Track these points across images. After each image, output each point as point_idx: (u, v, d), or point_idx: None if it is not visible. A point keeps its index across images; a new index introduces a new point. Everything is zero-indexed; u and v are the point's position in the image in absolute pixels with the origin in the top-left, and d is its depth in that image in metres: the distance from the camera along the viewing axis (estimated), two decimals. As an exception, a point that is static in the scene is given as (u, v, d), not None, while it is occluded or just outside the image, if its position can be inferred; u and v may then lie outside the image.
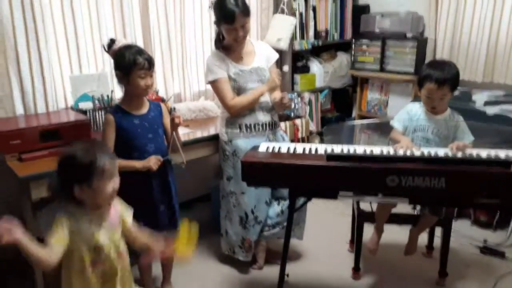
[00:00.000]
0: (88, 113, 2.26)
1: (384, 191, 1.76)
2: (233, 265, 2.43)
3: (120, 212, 1.51)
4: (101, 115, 2.29)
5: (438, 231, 2.30)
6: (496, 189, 1.66)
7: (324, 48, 3.76)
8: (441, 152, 1.82)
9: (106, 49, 1.93)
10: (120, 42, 1.93)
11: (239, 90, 2.22)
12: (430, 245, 2.51)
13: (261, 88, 2.20)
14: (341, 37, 3.76)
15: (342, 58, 3.81)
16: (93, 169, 1.31)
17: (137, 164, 1.85)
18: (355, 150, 1.83)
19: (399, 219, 2.30)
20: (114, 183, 1.38)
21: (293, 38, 3.29)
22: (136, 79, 1.82)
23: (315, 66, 3.63)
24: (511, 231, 2.59)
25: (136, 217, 1.90)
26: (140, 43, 2.63)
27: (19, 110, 2.28)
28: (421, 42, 3.26)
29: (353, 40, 3.61)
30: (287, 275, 2.00)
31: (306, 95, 3.51)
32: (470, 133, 2.00)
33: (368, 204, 2.26)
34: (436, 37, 3.30)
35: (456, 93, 2.06)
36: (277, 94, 2.26)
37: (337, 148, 1.87)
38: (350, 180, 1.74)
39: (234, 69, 2.21)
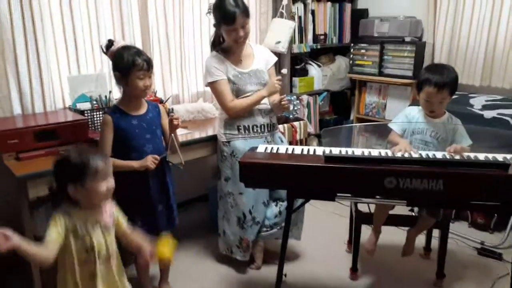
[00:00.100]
0: (85, 114, 2.26)
1: (382, 193, 1.76)
2: (231, 265, 2.42)
3: (115, 214, 1.52)
4: (99, 116, 2.29)
5: (436, 232, 2.31)
6: (493, 192, 1.66)
7: (323, 52, 3.78)
8: (439, 155, 1.83)
9: (104, 50, 1.93)
10: (119, 43, 1.93)
11: (238, 92, 2.22)
12: (427, 247, 2.51)
13: (261, 93, 2.21)
14: (340, 41, 3.78)
15: (341, 61, 3.82)
16: (86, 169, 1.35)
17: (135, 164, 1.85)
18: (353, 152, 1.84)
19: (397, 220, 2.30)
20: (108, 184, 1.41)
21: (292, 41, 3.30)
22: (135, 80, 1.82)
23: (314, 69, 3.65)
24: (508, 233, 2.59)
25: (134, 217, 1.91)
26: (139, 44, 2.64)
27: (17, 110, 2.27)
28: (419, 46, 3.28)
29: (352, 44, 3.63)
30: (285, 275, 2.00)
31: (305, 98, 3.52)
32: (468, 136, 2.01)
33: (366, 205, 2.26)
34: (434, 41, 3.32)
35: (454, 96, 2.07)
36: (276, 96, 2.26)
37: (335, 150, 1.87)
38: (348, 181, 1.74)
39: (233, 71, 2.22)
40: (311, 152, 1.85)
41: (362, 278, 2.32)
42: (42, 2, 2.25)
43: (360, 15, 3.71)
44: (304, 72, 3.61)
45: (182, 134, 2.31)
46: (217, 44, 2.27)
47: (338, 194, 1.82)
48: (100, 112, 2.29)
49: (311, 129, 3.55)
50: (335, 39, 3.74)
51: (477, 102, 2.87)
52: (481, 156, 1.78)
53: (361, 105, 3.71)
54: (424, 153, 1.85)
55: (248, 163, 1.79)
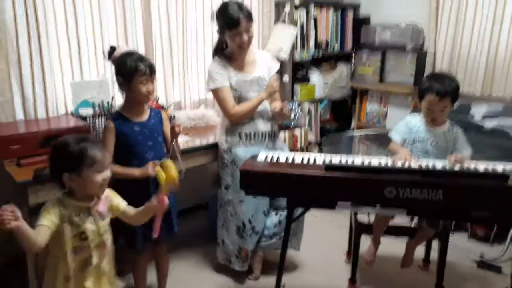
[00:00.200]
0: (88, 119, 2.27)
1: (382, 202, 1.76)
2: (229, 275, 2.41)
3: (109, 199, 1.53)
4: (101, 121, 2.30)
5: (435, 244, 2.30)
6: (493, 203, 1.66)
7: (324, 59, 3.78)
8: (439, 164, 1.83)
9: (107, 56, 1.94)
10: (121, 49, 1.94)
11: (239, 99, 2.23)
12: (426, 258, 2.51)
13: (261, 95, 2.21)
14: (342, 48, 3.78)
15: (342, 69, 3.82)
16: (83, 158, 1.35)
17: (136, 172, 1.85)
18: (353, 161, 1.84)
19: (396, 231, 2.30)
20: (103, 175, 1.40)
21: (293, 48, 3.31)
22: (138, 85, 1.83)
23: (315, 77, 3.65)
24: (508, 245, 2.58)
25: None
26: (142, 51, 2.65)
27: (19, 115, 2.28)
28: (420, 55, 3.29)
29: (354, 51, 3.64)
30: (283, 286, 1.99)
31: (306, 105, 3.53)
32: (468, 145, 2.01)
33: (366, 216, 2.26)
34: (435, 49, 3.32)
35: (455, 105, 2.07)
36: (277, 104, 2.27)
37: (336, 159, 1.87)
38: (348, 190, 1.74)
39: (235, 77, 2.22)
40: (312, 161, 1.86)
41: (361, 288, 2.32)
42: (47, 7, 2.26)
43: (362, 22, 3.72)
44: (305, 79, 3.60)
45: (183, 141, 2.31)
46: (219, 51, 2.28)
47: (338, 203, 1.82)
48: (102, 118, 2.30)
49: (312, 137, 3.55)
50: (337, 46, 3.75)
51: (477, 112, 2.88)
52: (481, 166, 1.79)
53: (362, 113, 3.72)
54: (424, 163, 1.85)
55: (248, 171, 1.79)
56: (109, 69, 2.50)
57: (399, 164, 1.82)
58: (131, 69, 1.81)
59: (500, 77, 2.99)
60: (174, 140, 1.98)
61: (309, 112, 3.58)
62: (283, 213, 2.29)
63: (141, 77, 1.82)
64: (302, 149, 2.90)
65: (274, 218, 2.33)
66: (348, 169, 1.73)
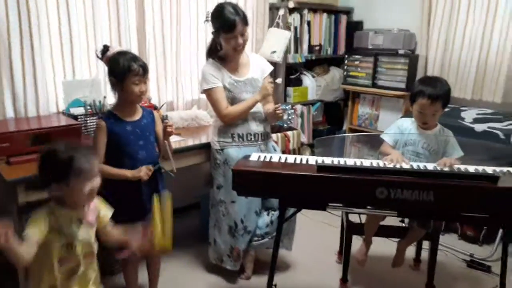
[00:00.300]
0: (79, 118, 2.26)
1: (373, 203, 1.77)
2: (221, 274, 2.41)
3: (98, 209, 1.51)
4: (93, 121, 2.29)
5: (426, 244, 2.32)
6: (483, 204, 1.68)
7: (317, 62, 3.81)
8: (431, 166, 1.85)
9: (100, 55, 1.94)
10: (114, 48, 1.93)
11: (233, 100, 2.23)
12: (417, 258, 2.52)
13: (254, 97, 2.21)
14: (335, 52, 3.82)
15: (335, 72, 3.86)
16: (70, 168, 1.32)
17: (128, 173, 1.84)
18: (345, 162, 1.85)
19: (387, 231, 2.31)
20: (92, 184, 1.38)
21: (287, 51, 3.33)
22: (130, 85, 1.82)
23: (308, 80, 3.68)
24: (497, 246, 2.61)
25: (125, 223, 1.89)
26: (135, 51, 2.65)
27: (10, 113, 2.27)
28: (412, 59, 3.32)
29: (346, 55, 3.67)
30: (275, 286, 1.99)
31: (299, 108, 3.55)
32: (459, 148, 2.03)
33: (357, 216, 2.27)
34: (427, 54, 3.37)
35: (446, 109, 2.10)
36: (271, 106, 2.28)
37: (328, 160, 1.88)
38: (339, 191, 1.75)
39: (229, 79, 2.23)
40: (304, 161, 1.86)
41: (352, 288, 2.32)
42: (39, 5, 2.25)
43: (355, 27, 3.76)
44: (298, 82, 3.64)
45: (175, 141, 2.31)
46: (213, 52, 2.28)
47: (330, 204, 1.82)
48: (94, 117, 2.29)
49: (304, 138, 3.56)
50: (330, 50, 3.78)
51: (468, 115, 2.91)
52: (471, 169, 1.81)
53: (354, 116, 3.75)
54: (415, 165, 1.87)
55: (241, 171, 1.79)
56: (102, 68, 2.49)
57: (390, 165, 1.83)
58: (124, 69, 1.80)
59: (491, 81, 3.03)
60: (166, 140, 1.98)
61: (302, 114, 3.60)
62: (275, 213, 2.29)
63: (134, 77, 1.81)
64: (294, 151, 2.91)
65: (266, 218, 2.33)
66: (340, 170, 1.74)
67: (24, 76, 2.26)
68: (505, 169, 1.84)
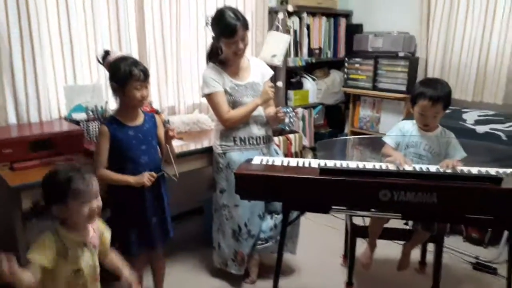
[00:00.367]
0: (81, 124, 2.26)
1: (377, 205, 1.77)
2: (225, 279, 2.40)
3: (100, 230, 1.51)
4: (94, 126, 2.29)
5: (431, 246, 2.31)
6: (487, 205, 1.68)
7: (318, 66, 3.82)
8: (433, 168, 1.85)
9: (101, 60, 1.94)
10: (115, 53, 1.94)
11: (234, 104, 2.23)
12: (422, 261, 2.51)
13: (256, 101, 2.22)
14: (335, 55, 3.82)
15: (335, 75, 3.86)
16: (68, 190, 1.32)
17: (131, 179, 1.83)
18: (348, 164, 1.85)
19: (392, 234, 2.30)
20: (91, 205, 1.37)
21: (287, 55, 3.33)
22: (132, 90, 1.81)
23: (309, 83, 3.69)
24: (503, 247, 2.60)
25: (128, 229, 1.89)
26: (135, 55, 2.65)
27: (12, 119, 2.27)
28: (412, 61, 3.33)
29: (346, 58, 3.68)
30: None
31: (300, 111, 3.55)
32: (461, 149, 2.03)
33: (361, 219, 2.26)
34: (427, 56, 3.37)
35: (447, 111, 2.10)
36: (272, 109, 2.28)
37: (330, 163, 1.88)
38: (342, 194, 1.74)
39: (230, 83, 2.23)
40: (306, 164, 1.86)
41: (357, 292, 2.31)
42: (40, 11, 2.26)
43: (354, 30, 3.76)
44: (299, 86, 3.64)
45: (177, 146, 2.31)
46: (213, 56, 2.28)
47: (333, 207, 1.82)
48: (96, 123, 2.29)
49: (306, 142, 3.56)
50: (330, 53, 3.79)
51: (469, 117, 2.91)
52: (474, 170, 1.81)
53: (355, 118, 3.75)
54: (418, 167, 1.86)
55: (243, 175, 1.79)
56: (103, 74, 2.49)
57: (393, 167, 1.83)
58: (125, 74, 1.79)
59: (491, 83, 3.03)
60: (168, 144, 1.98)
61: (303, 117, 3.60)
62: (279, 217, 2.29)
63: (135, 82, 1.81)
64: (296, 154, 2.92)
65: (269, 222, 2.33)
66: (343, 173, 1.74)
67: (26, 82, 2.26)
68: (508, 170, 1.83)
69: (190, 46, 2.97)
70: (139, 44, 2.71)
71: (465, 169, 1.83)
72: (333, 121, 4.01)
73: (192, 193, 2.96)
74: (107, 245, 1.54)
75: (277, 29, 3.27)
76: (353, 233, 2.25)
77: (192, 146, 2.44)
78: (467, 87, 3.15)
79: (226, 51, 2.19)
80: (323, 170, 1.74)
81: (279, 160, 1.92)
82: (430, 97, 1.94)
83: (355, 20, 3.87)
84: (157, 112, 2.53)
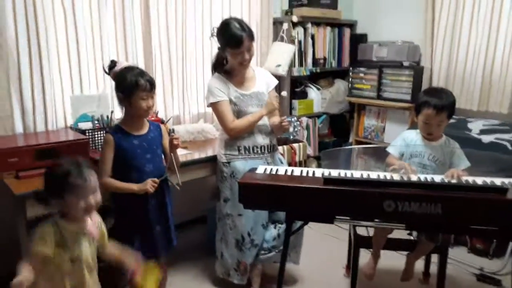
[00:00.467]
0: (87, 133, 2.28)
1: (381, 216, 1.76)
2: (228, 289, 2.39)
3: (99, 223, 1.53)
4: (100, 135, 2.31)
5: (435, 257, 2.29)
6: (492, 216, 1.66)
7: (322, 75, 3.83)
8: (438, 178, 1.84)
9: (107, 70, 1.96)
10: (121, 64, 1.96)
11: (239, 114, 2.24)
12: (426, 272, 2.49)
13: (261, 111, 2.23)
14: (339, 65, 3.83)
15: (340, 85, 3.87)
16: (65, 183, 1.35)
17: (135, 187, 1.84)
18: (352, 174, 1.85)
19: (396, 245, 2.28)
20: (89, 200, 1.39)
21: (292, 64, 3.35)
22: (138, 100, 1.83)
23: (313, 92, 3.70)
24: (508, 259, 2.57)
25: (132, 237, 1.90)
26: (141, 65, 2.68)
27: (19, 128, 2.30)
28: (417, 71, 3.33)
29: (351, 67, 3.69)
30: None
31: (304, 120, 3.56)
32: (465, 158, 2.02)
33: (365, 229, 2.25)
34: (432, 66, 3.37)
35: (452, 120, 2.09)
36: (276, 118, 2.29)
37: (335, 173, 1.88)
38: (346, 204, 1.73)
39: (235, 93, 2.24)
40: (310, 174, 1.86)
41: (360, 303, 2.29)
42: (48, 22, 2.29)
43: (359, 39, 3.79)
44: (303, 95, 3.66)
45: (182, 155, 2.32)
46: (218, 66, 2.30)
47: (337, 217, 1.81)
48: (102, 132, 2.31)
49: (310, 151, 3.56)
50: (334, 63, 3.80)
51: (474, 127, 2.89)
52: (479, 180, 1.79)
53: (360, 128, 3.75)
54: (422, 177, 1.85)
55: (247, 184, 1.79)
56: (109, 83, 2.52)
57: (397, 177, 1.82)
58: (131, 85, 1.81)
59: (497, 92, 3.02)
60: (173, 153, 1.99)
61: (308, 126, 3.60)
62: (282, 226, 2.28)
63: (141, 93, 1.83)
64: (300, 163, 2.92)
65: (273, 231, 2.32)
66: (347, 182, 1.73)
67: (33, 92, 2.29)
68: (514, 180, 1.82)
69: (195, 57, 3.00)
70: (145, 54, 2.74)
71: (470, 179, 1.82)
72: (338, 130, 4.01)
73: (196, 202, 2.96)
74: (105, 236, 1.56)
75: (282, 39, 3.29)
76: (357, 243, 2.23)
77: (197, 155, 2.45)
78: (472, 96, 3.15)
79: (232, 62, 2.21)
80: (327, 180, 1.73)
81: (283, 169, 1.92)
82: (434, 106, 1.94)
83: (359, 30, 3.89)
84: (162, 121, 2.55)
